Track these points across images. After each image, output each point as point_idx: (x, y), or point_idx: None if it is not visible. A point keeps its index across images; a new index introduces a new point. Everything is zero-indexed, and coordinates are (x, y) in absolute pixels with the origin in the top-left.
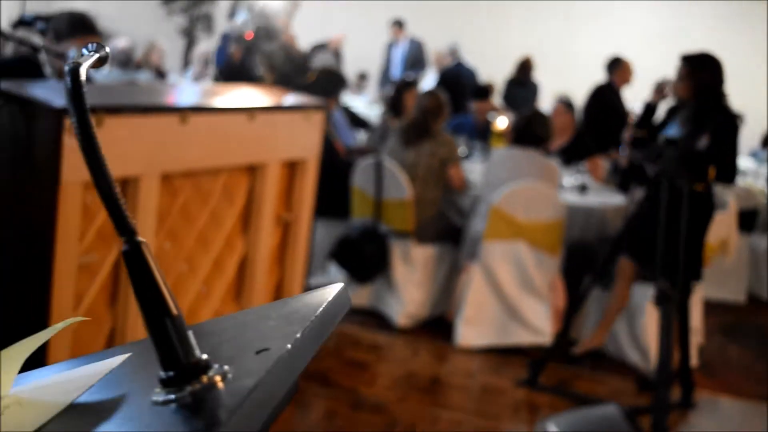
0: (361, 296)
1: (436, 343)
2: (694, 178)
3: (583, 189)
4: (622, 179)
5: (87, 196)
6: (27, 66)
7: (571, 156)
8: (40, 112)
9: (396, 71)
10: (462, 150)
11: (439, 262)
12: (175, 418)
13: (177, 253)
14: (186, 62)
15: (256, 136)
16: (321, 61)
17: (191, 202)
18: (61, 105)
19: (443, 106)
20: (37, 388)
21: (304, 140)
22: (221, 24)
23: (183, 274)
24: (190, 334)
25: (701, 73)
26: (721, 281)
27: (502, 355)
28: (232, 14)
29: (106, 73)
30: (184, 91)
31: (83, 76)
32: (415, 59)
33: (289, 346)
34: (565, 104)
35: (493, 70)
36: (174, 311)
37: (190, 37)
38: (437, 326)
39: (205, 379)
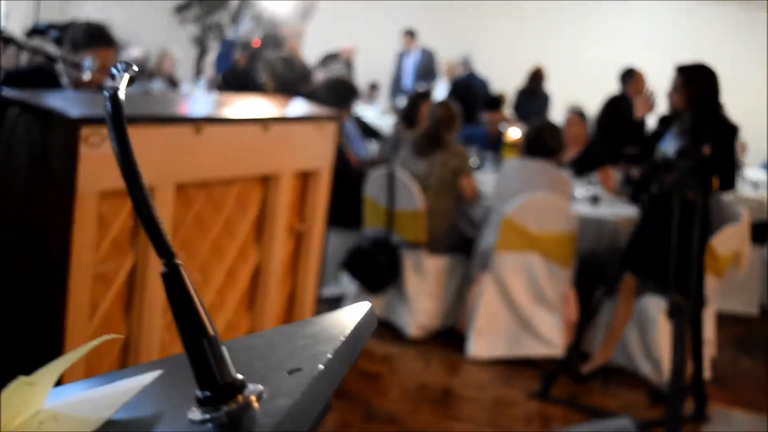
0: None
1: (447, 354)
2: (707, 189)
3: (595, 200)
4: (634, 190)
5: (102, 206)
6: (43, 76)
7: (582, 167)
8: (56, 121)
9: (407, 81)
10: (474, 160)
11: (450, 273)
12: None
13: (191, 263)
14: (198, 71)
15: (270, 146)
16: (333, 71)
17: (205, 212)
18: (78, 115)
19: (455, 116)
20: (71, 404)
21: (317, 151)
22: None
23: (196, 284)
24: (226, 353)
25: (696, 84)
26: (733, 293)
27: (513, 366)
28: (234, 20)
29: None
30: (198, 101)
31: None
32: (427, 69)
33: (321, 366)
34: (578, 114)
35: (504, 80)
36: (211, 332)
37: (202, 45)
38: (449, 337)
39: (240, 399)
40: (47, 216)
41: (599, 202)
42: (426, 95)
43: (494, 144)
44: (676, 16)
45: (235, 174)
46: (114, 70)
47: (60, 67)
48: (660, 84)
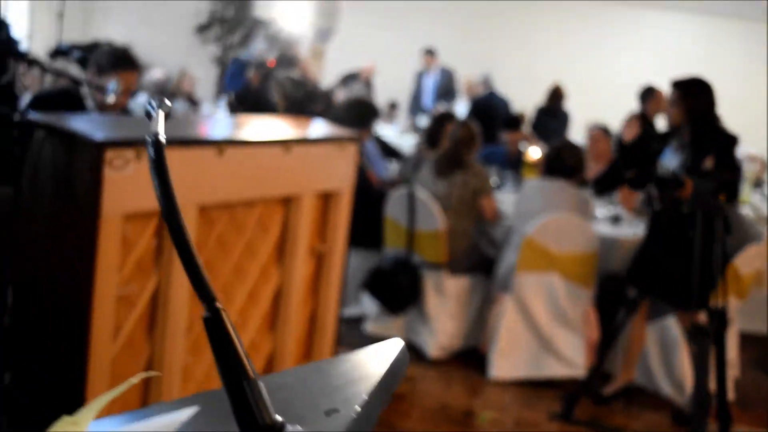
0: (394, 327)
1: (468, 375)
2: (726, 205)
3: (616, 220)
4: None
5: (126, 228)
6: (69, 99)
7: (605, 185)
8: (81, 144)
9: (427, 100)
10: (494, 180)
11: (471, 294)
12: None
13: (213, 283)
14: (219, 91)
15: (291, 167)
16: (353, 91)
17: (227, 233)
18: (102, 138)
19: (475, 136)
20: None
21: (338, 172)
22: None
23: None
24: (265, 395)
25: (694, 98)
26: (754, 313)
27: (535, 387)
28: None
29: (141, 103)
30: (219, 123)
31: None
32: (446, 88)
33: (358, 408)
34: (603, 131)
35: (525, 98)
36: (251, 374)
37: (223, 65)
38: (470, 358)
39: None
40: (72, 238)
41: (620, 222)
42: (450, 116)
43: (514, 164)
44: (697, 34)
45: (257, 195)
46: (149, 107)
47: (85, 90)
48: None
